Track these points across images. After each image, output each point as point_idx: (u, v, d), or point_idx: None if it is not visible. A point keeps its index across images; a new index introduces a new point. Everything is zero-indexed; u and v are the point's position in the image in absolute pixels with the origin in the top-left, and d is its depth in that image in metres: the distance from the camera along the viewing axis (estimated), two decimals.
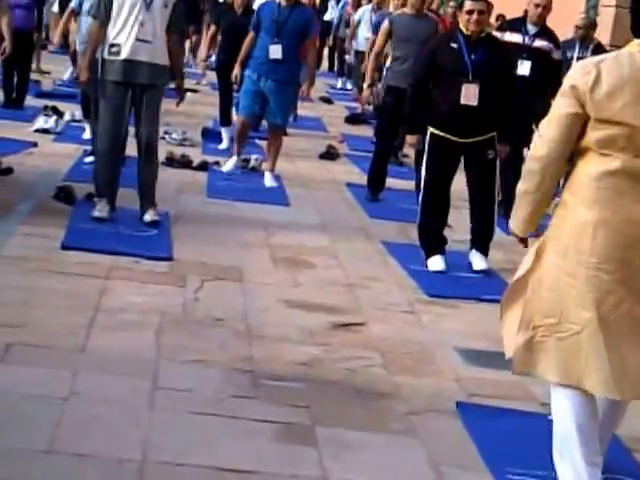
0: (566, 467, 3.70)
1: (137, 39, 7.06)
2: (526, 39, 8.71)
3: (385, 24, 9.36)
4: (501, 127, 6.98)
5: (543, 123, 3.68)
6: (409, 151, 11.06)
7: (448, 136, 6.87)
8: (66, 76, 14.82)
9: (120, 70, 7.11)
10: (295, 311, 5.81)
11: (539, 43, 8.78)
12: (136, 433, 3.99)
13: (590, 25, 11.02)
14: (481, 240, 7.07)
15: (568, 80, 3.61)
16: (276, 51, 9.02)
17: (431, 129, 6.97)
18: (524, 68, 8.65)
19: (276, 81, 9.09)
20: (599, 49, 10.81)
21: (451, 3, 15.52)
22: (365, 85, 9.78)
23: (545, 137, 3.63)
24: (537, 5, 8.74)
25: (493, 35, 7.41)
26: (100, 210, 7.19)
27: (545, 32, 8.92)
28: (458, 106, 6.76)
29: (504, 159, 7.21)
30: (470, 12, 6.79)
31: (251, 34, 9.34)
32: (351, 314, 5.88)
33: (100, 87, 7.29)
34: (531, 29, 8.75)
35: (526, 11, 9.06)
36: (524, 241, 3.90)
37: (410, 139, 7.33)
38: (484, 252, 7.04)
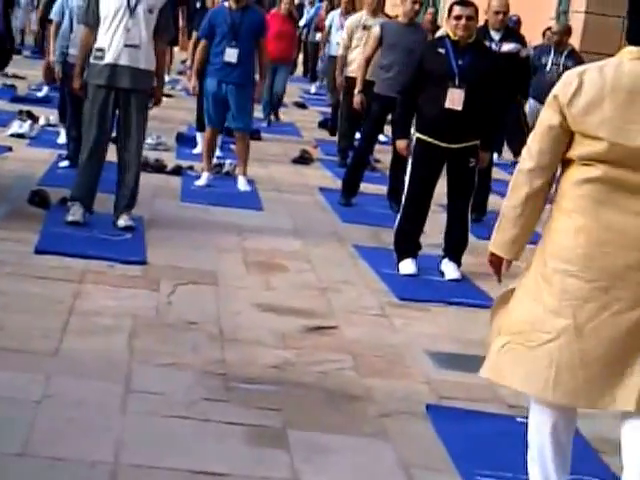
0: (537, 474, 3.72)
1: (125, 44, 7.08)
2: (493, 46, 8.74)
3: (376, 29, 9.38)
4: (485, 135, 6.99)
5: (530, 135, 3.60)
6: (381, 156, 11.12)
7: (433, 141, 6.87)
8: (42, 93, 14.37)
9: (104, 74, 7.14)
10: (268, 315, 5.82)
11: (507, 47, 8.82)
12: (109, 436, 3.99)
13: (565, 31, 11.12)
14: (455, 250, 7.09)
15: (552, 90, 3.54)
16: (232, 54, 9.07)
17: (417, 134, 6.98)
18: None
19: (234, 84, 9.14)
20: (573, 54, 10.92)
21: (430, 10, 15.64)
22: (356, 91, 9.78)
23: (532, 149, 3.55)
24: (497, 12, 8.75)
25: (481, 41, 7.40)
26: (74, 214, 7.17)
27: (510, 34, 8.97)
28: (443, 110, 6.75)
29: (481, 165, 7.25)
30: (458, 17, 6.78)
31: (203, 42, 9.40)
32: (323, 317, 5.89)
33: (85, 90, 7.31)
34: (495, 35, 8.77)
35: (486, 20, 9.12)
36: (498, 266, 3.72)
37: (399, 144, 7.26)
38: (457, 261, 7.06)
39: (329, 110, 15.55)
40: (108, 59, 7.11)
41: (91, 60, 7.20)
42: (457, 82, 6.76)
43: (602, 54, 3.81)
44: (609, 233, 3.42)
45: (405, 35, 8.99)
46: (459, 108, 6.75)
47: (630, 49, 3.45)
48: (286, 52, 14.00)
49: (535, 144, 3.54)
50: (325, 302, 6.20)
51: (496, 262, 3.74)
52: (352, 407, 4.63)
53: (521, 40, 9.13)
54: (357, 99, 9.70)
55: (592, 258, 3.43)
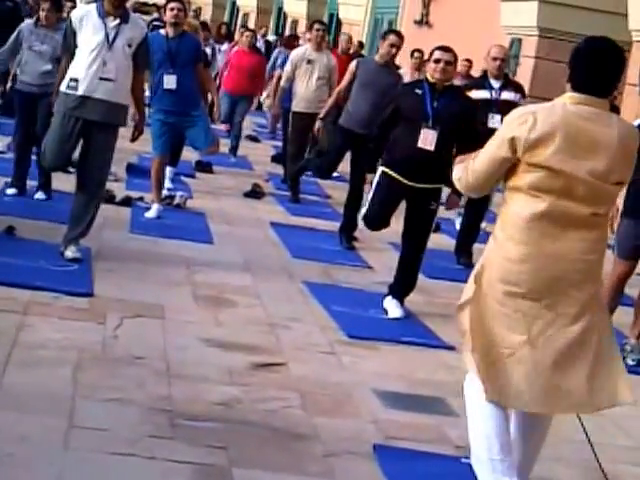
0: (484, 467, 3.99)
1: (100, 77, 7.04)
2: (493, 94, 8.89)
3: (352, 65, 9.53)
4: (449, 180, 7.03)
5: (478, 153, 4.04)
6: (333, 192, 11.13)
7: (398, 177, 6.93)
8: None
9: (75, 104, 7.08)
10: (215, 350, 5.76)
11: (506, 95, 8.98)
12: (50, 472, 3.91)
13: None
14: (401, 290, 7.10)
15: (507, 129, 3.94)
16: (170, 81, 9.10)
17: (383, 168, 7.03)
18: (495, 122, 8.76)
19: (179, 113, 9.15)
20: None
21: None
22: (319, 116, 9.98)
23: (476, 169, 4.01)
24: (495, 59, 9.01)
25: (458, 86, 7.53)
26: None
27: (509, 84, 9.17)
28: (415, 149, 6.83)
29: (452, 208, 7.38)
30: (437, 61, 6.92)
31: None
32: (271, 354, 5.84)
33: (53, 117, 7.28)
34: (494, 83, 8.98)
35: (485, 70, 9.28)
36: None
37: (371, 178, 7.32)
38: (400, 300, 7.07)
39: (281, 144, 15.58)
40: (81, 91, 7.06)
41: (63, 89, 7.14)
42: (431, 123, 6.85)
43: (551, 99, 4.04)
44: (551, 260, 3.88)
45: (379, 75, 9.08)
46: (431, 148, 6.83)
47: (571, 95, 3.91)
48: (245, 86, 13.96)
49: (479, 165, 4.00)
50: (273, 338, 6.15)
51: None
52: (298, 446, 4.58)
53: (520, 90, 9.28)
54: (317, 124, 9.88)
55: (537, 282, 3.88)
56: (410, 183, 6.91)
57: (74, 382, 4.90)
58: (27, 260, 6.93)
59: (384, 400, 5.32)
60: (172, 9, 9.17)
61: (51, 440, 4.20)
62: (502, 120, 8.71)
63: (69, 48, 7.17)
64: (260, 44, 19.18)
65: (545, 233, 3.86)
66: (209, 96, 10.08)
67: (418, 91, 6.99)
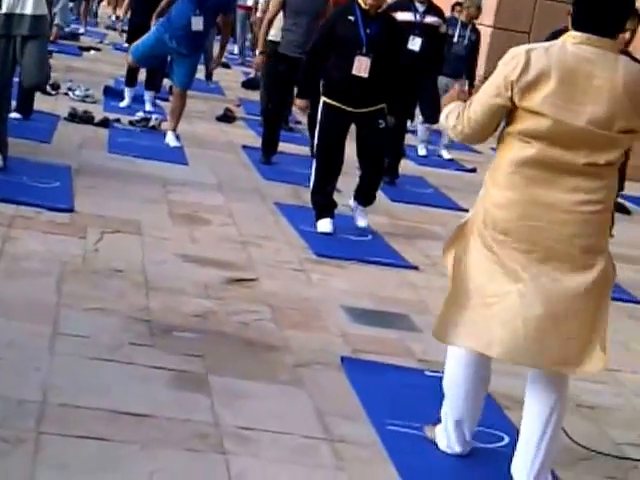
0: (451, 422, 3.83)
1: None
2: (417, 17, 8.84)
3: None
4: (388, 100, 7.04)
5: (473, 99, 3.61)
6: (303, 118, 11.09)
7: (340, 105, 6.89)
8: None
9: (1, 23, 6.93)
10: (191, 265, 5.80)
11: (429, 19, 8.93)
12: (37, 376, 3.94)
13: (478, 6, 11.25)
14: (363, 201, 7.21)
15: (500, 74, 3.49)
16: (198, 23, 8.91)
17: (324, 98, 6.98)
18: (415, 44, 8.78)
19: (187, 46, 9.00)
20: (475, 28, 11.06)
21: None
22: (257, 52, 9.80)
23: (472, 120, 3.58)
24: None
25: (388, 13, 7.44)
26: None
27: (432, 9, 9.08)
28: (350, 77, 6.78)
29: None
30: None
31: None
32: (244, 270, 5.89)
33: None
34: (420, 7, 8.92)
35: None
36: None
37: (299, 103, 7.32)
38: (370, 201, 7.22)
39: (251, 70, 15.46)
40: (4, 9, 6.91)
41: None
42: (364, 50, 6.78)
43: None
44: (540, 209, 3.46)
45: (308, 1, 8.98)
46: (365, 75, 6.78)
47: (574, 34, 3.46)
48: None
49: (474, 114, 3.56)
50: (246, 255, 6.19)
51: None
52: (270, 356, 4.64)
53: (442, 15, 9.22)
54: (258, 59, 9.75)
55: (525, 232, 3.48)
56: (351, 109, 6.88)
57: (58, 292, 4.93)
58: (11, 176, 6.91)
59: (351, 315, 5.39)
60: None
61: (37, 346, 4.24)
62: (422, 43, 8.81)
63: None
64: None
65: (532, 180, 3.46)
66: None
67: (350, 17, 6.85)
